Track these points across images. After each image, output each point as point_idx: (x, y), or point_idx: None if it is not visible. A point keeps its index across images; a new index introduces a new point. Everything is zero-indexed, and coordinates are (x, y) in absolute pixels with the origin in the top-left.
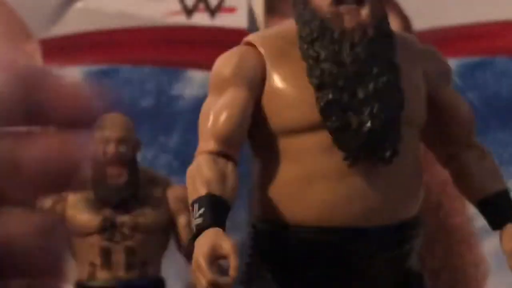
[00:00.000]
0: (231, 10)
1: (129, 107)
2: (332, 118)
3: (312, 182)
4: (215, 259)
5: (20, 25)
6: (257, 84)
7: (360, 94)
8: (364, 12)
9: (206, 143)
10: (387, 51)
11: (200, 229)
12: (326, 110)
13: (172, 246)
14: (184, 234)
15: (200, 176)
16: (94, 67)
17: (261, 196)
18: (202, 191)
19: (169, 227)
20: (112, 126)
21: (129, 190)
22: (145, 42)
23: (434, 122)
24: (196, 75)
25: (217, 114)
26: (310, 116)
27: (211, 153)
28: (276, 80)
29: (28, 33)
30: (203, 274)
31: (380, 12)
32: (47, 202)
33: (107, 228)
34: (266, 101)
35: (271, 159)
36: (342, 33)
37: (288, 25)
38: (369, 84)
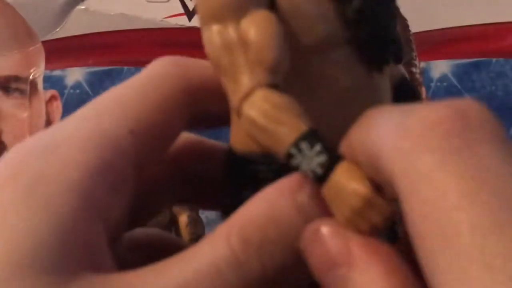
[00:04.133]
0: None
1: None
2: (362, 29)
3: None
4: None
5: (24, 27)
6: (268, 5)
7: (385, 2)
8: None
9: (255, 76)
10: None
11: (329, 167)
12: (354, 20)
13: None
14: (185, 234)
15: (286, 112)
16: (97, 69)
17: None
18: (301, 127)
19: (169, 226)
20: None
21: None
22: (147, 44)
23: None
24: None
25: (256, 41)
26: (335, 30)
27: (268, 86)
28: None
29: (32, 35)
30: (378, 208)
31: None
32: None
33: None
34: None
35: (292, 83)
36: None
37: None
38: None
